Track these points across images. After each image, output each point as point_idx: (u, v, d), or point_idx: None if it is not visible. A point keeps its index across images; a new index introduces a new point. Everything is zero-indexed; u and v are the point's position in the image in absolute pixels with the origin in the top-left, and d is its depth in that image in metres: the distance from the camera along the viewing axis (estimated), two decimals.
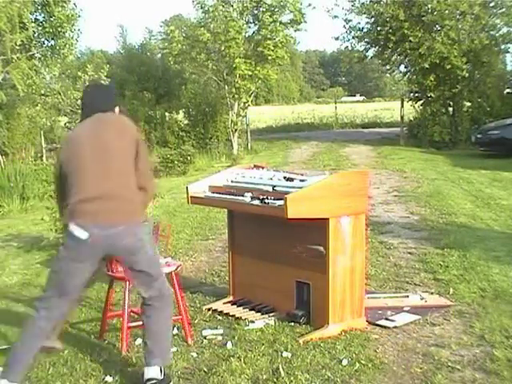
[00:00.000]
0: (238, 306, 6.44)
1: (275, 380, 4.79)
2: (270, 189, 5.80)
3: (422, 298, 6.53)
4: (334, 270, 5.66)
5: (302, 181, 5.85)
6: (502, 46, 24.30)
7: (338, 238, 5.66)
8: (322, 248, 5.69)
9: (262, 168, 6.70)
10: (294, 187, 5.66)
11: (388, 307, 6.33)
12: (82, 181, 4.52)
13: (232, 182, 6.38)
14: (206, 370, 5.04)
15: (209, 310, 6.46)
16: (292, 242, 5.98)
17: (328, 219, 5.56)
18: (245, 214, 6.29)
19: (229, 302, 6.62)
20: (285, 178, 6.05)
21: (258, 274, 6.41)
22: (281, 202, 5.41)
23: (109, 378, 4.98)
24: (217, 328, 5.98)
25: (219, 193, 6.25)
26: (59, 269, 4.61)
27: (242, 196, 5.89)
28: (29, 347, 4.63)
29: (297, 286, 6.00)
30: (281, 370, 4.93)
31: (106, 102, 4.89)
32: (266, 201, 5.62)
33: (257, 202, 5.70)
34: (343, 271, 5.73)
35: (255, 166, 6.80)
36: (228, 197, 6.07)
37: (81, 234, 4.41)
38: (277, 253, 6.16)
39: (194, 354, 5.39)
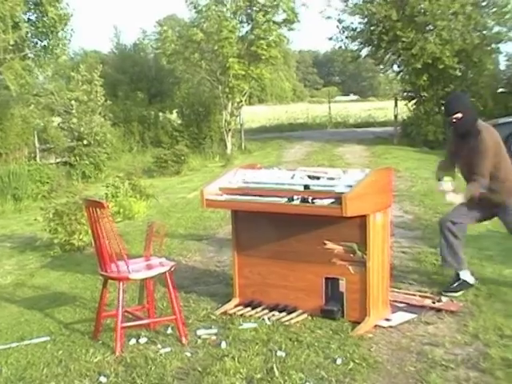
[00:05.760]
0: (252, 308, 6.35)
1: (269, 379, 4.79)
2: (302, 188, 5.87)
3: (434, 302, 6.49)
4: (373, 263, 5.82)
5: (329, 179, 5.98)
6: (494, 46, 24.33)
7: (374, 233, 5.80)
8: (354, 244, 5.82)
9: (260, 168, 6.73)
10: (330, 186, 5.81)
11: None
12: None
13: (246, 183, 6.36)
14: (200, 369, 5.04)
15: (224, 313, 6.36)
16: (318, 239, 6.00)
17: (366, 215, 5.70)
18: (254, 214, 6.24)
19: (239, 304, 6.52)
20: (309, 176, 6.12)
21: (273, 274, 6.36)
22: (329, 201, 5.56)
23: (103, 379, 4.97)
24: (211, 328, 5.98)
25: (237, 194, 6.23)
26: None
27: (269, 197, 5.94)
28: None
29: (326, 282, 6.05)
30: (275, 369, 4.93)
31: None
32: (313, 200, 5.66)
33: (297, 201, 5.74)
34: (378, 264, 5.90)
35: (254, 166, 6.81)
36: (257, 198, 6.03)
37: None
38: (298, 252, 6.14)
39: (189, 354, 5.39)
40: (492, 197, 6.49)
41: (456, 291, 6.58)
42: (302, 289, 6.17)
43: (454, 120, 6.39)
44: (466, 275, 6.68)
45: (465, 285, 6.64)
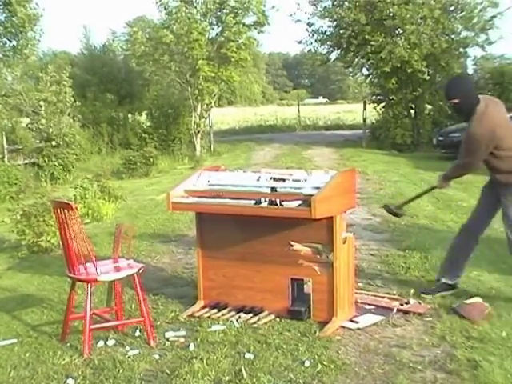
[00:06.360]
0: (218, 310, 6.34)
1: (238, 382, 4.79)
2: (269, 190, 5.90)
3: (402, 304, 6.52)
4: (339, 264, 5.85)
5: (295, 181, 6.02)
6: (461, 50, 24.52)
7: (340, 234, 5.84)
8: (319, 245, 5.83)
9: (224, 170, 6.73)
10: (297, 188, 5.87)
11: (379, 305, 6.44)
12: None
13: (211, 185, 6.37)
14: (168, 372, 5.04)
15: (192, 315, 6.33)
16: (284, 241, 6.02)
17: (333, 216, 5.74)
18: (218, 216, 6.23)
19: (205, 306, 6.49)
20: (274, 179, 6.14)
21: (238, 276, 6.35)
22: (296, 203, 5.62)
23: (70, 381, 4.94)
24: (179, 330, 5.97)
25: (204, 197, 6.24)
26: None
27: (237, 199, 5.96)
28: None
29: (292, 283, 6.07)
30: (243, 371, 4.93)
31: None
32: (282, 203, 5.70)
33: (265, 204, 5.79)
34: (344, 265, 5.94)
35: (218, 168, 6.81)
36: (225, 201, 6.04)
37: None
38: (264, 253, 6.14)
39: (157, 356, 5.38)
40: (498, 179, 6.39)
41: (434, 293, 6.67)
42: (268, 290, 6.18)
43: (452, 104, 6.33)
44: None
45: (444, 287, 6.74)
